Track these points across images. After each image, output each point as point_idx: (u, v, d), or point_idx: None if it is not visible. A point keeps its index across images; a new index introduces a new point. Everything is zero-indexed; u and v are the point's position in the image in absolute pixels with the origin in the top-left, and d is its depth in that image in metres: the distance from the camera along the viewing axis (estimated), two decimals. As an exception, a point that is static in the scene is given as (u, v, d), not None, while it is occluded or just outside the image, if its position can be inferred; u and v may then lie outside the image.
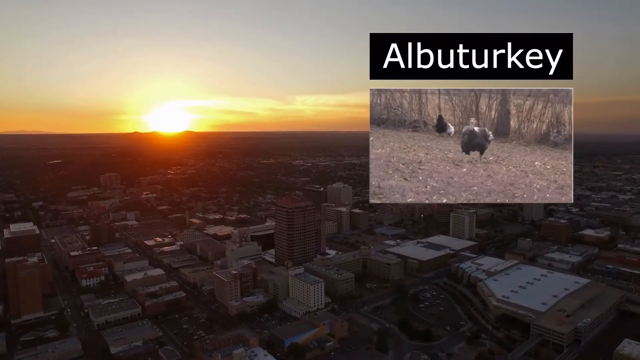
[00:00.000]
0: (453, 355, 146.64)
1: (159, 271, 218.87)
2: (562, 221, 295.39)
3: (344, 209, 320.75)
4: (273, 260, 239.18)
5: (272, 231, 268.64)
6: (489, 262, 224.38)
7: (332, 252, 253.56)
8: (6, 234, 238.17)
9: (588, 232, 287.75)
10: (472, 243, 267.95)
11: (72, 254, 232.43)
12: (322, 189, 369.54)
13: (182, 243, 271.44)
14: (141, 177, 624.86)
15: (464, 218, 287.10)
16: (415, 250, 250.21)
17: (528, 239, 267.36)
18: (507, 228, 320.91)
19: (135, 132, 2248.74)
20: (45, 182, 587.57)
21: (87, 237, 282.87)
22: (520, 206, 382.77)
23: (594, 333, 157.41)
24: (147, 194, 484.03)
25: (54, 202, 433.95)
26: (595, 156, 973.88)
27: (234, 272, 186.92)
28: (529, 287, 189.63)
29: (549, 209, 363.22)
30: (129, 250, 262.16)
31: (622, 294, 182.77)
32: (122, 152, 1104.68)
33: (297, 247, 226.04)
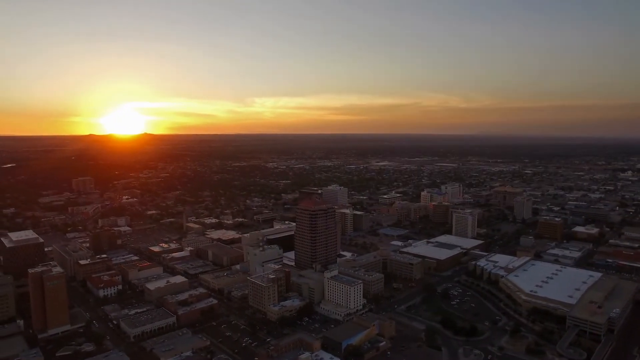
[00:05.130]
0: (503, 349, 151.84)
1: (180, 278, 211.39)
2: (557, 219, 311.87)
3: (347, 211, 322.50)
4: (292, 263, 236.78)
5: (287, 234, 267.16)
6: (502, 259, 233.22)
7: (347, 254, 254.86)
8: (7, 243, 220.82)
9: (579, 229, 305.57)
10: (479, 242, 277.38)
11: (82, 262, 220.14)
12: (319, 191, 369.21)
13: (191, 249, 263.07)
14: (114, 181, 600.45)
15: (467, 218, 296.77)
16: (428, 249, 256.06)
17: (530, 237, 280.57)
18: (502, 227, 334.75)
19: (91, 135, 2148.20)
20: (7, 187, 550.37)
21: (85, 245, 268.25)
22: (507, 206, 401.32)
23: (621, 322, 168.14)
24: (127, 199, 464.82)
25: (27, 209, 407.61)
26: (553, 157, 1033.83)
27: (272, 276, 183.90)
28: (550, 282, 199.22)
29: (534, 208, 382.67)
30: (136, 257, 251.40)
31: (635, 286, 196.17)
32: (82, 155, 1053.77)
33: (320, 250, 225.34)
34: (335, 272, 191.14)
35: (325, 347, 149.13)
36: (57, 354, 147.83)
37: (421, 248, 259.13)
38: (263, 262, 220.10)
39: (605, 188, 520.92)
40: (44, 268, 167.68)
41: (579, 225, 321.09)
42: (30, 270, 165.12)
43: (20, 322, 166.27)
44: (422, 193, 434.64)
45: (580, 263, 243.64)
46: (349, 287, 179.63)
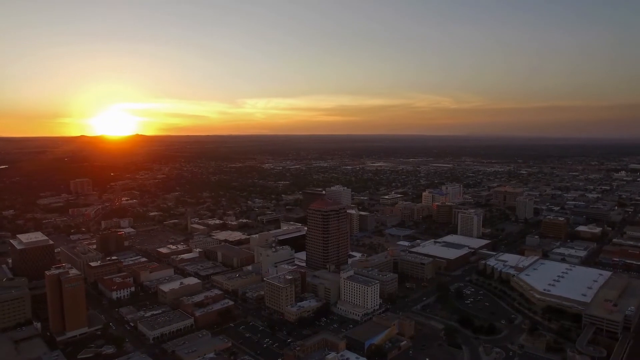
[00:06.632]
0: (523, 347, 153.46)
1: (193, 280, 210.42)
2: (560, 219, 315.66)
3: (353, 212, 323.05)
4: (302, 264, 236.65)
5: (295, 235, 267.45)
6: (511, 258, 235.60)
7: (356, 254, 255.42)
8: (17, 245, 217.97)
9: (582, 228, 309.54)
10: (485, 241, 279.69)
11: (92, 264, 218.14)
12: (323, 191, 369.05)
13: (200, 250, 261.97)
14: (111, 183, 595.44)
15: (473, 218, 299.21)
16: (437, 249, 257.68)
17: (536, 236, 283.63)
18: (505, 226, 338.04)
19: (82, 136, 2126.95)
20: (3, 189, 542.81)
21: (91, 246, 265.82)
22: (508, 206, 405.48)
23: (636, 320, 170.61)
24: (127, 200, 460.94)
25: (26, 210, 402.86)
26: (546, 158, 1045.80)
27: (289, 277, 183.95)
28: (562, 281, 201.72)
29: (534, 208, 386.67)
30: (144, 259, 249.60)
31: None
32: (75, 157, 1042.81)
33: (332, 250, 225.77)
34: (351, 273, 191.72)
35: (348, 347, 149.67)
36: (79, 357, 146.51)
37: (430, 248, 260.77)
38: (276, 263, 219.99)
39: (601, 188, 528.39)
40: (61, 270, 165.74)
41: (581, 224, 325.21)
42: (47, 273, 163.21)
43: (38, 325, 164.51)
44: (424, 193, 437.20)
45: (586, 262, 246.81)
46: (366, 287, 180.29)
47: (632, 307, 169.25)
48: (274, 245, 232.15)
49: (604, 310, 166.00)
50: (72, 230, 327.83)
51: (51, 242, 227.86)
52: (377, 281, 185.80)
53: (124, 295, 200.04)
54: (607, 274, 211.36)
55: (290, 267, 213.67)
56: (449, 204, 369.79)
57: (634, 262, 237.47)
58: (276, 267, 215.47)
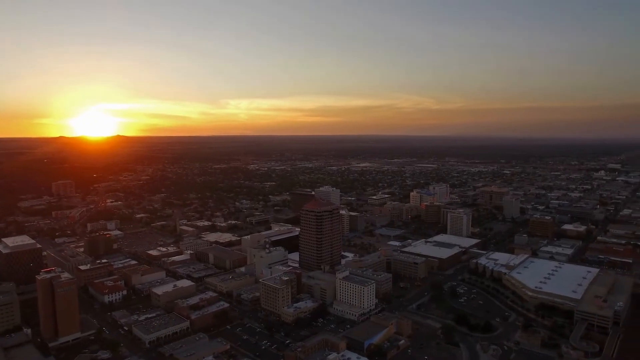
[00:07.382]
0: (519, 343, 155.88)
1: (187, 282, 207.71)
2: (547, 218, 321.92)
3: (343, 212, 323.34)
4: (295, 264, 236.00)
5: (287, 236, 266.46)
6: (501, 257, 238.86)
7: (349, 255, 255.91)
8: (2, 249, 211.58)
9: (567, 227, 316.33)
10: (475, 240, 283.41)
11: (82, 268, 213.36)
12: (312, 192, 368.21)
13: (191, 252, 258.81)
14: (94, 184, 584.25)
15: (462, 217, 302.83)
16: (429, 249, 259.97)
17: (524, 235, 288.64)
18: (493, 225, 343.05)
19: (61, 137, 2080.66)
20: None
21: (79, 250, 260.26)
22: (494, 205, 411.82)
23: (624, 315, 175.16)
24: (112, 202, 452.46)
25: (7, 213, 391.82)
26: (528, 158, 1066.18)
27: (286, 278, 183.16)
28: (552, 278, 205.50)
29: (520, 207, 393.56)
30: (134, 262, 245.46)
31: (632, 280, 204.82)
32: (55, 158, 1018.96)
33: (326, 251, 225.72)
34: (346, 273, 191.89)
35: (347, 347, 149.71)
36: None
37: (421, 247, 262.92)
38: (270, 265, 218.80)
39: (582, 187, 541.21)
40: (53, 274, 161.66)
41: (566, 223, 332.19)
42: (38, 277, 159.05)
43: (28, 331, 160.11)
44: (412, 193, 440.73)
45: (573, 259, 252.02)
46: (362, 287, 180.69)
47: (621, 303, 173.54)
48: (267, 246, 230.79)
49: (594, 306, 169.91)
50: (57, 234, 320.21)
51: (39, 245, 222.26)
52: (373, 281, 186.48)
53: (116, 299, 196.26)
54: (594, 270, 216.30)
55: (284, 268, 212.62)
56: (438, 203, 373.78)
57: (619, 259, 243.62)
58: (270, 268, 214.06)
